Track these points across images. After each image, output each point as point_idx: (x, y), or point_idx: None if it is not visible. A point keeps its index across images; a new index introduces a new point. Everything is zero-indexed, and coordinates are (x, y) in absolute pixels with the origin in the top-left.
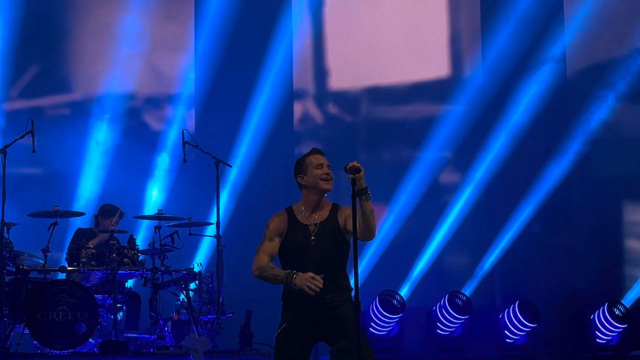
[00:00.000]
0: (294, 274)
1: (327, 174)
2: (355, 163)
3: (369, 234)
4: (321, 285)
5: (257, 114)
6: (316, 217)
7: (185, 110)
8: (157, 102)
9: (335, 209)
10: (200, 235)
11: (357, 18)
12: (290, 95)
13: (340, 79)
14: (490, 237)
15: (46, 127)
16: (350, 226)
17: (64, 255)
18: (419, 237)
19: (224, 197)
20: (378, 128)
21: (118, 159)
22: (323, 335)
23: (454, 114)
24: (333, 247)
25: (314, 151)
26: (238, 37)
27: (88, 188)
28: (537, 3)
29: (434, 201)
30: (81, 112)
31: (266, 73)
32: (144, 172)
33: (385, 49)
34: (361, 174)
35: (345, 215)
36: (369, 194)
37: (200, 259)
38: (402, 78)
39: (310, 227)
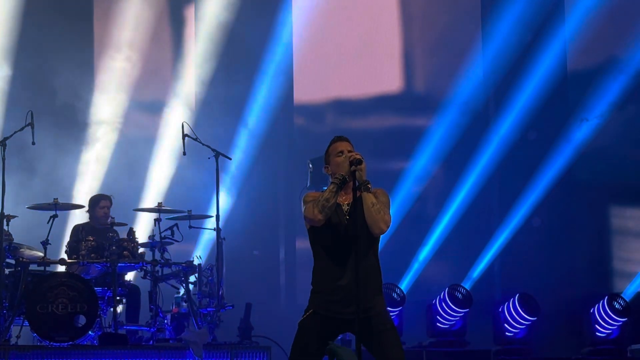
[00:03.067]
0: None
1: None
2: (356, 155)
3: (374, 226)
4: (358, 156)
5: (257, 109)
6: (347, 198)
7: (184, 108)
8: (158, 101)
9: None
10: (200, 228)
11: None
12: (289, 93)
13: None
14: (490, 230)
15: (45, 120)
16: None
17: (64, 249)
18: (419, 231)
19: (224, 190)
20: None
21: (117, 154)
22: (350, 329)
23: (450, 117)
24: (366, 226)
25: (334, 139)
26: (237, 37)
27: (88, 182)
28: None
29: (434, 195)
30: (80, 109)
31: (264, 71)
32: (144, 166)
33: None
34: (363, 165)
35: (374, 195)
36: (369, 186)
37: (200, 252)
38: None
39: (343, 207)
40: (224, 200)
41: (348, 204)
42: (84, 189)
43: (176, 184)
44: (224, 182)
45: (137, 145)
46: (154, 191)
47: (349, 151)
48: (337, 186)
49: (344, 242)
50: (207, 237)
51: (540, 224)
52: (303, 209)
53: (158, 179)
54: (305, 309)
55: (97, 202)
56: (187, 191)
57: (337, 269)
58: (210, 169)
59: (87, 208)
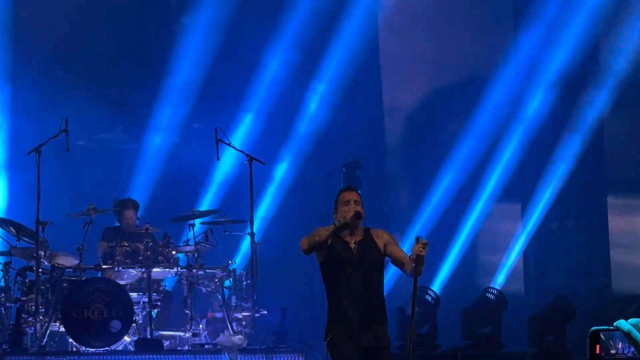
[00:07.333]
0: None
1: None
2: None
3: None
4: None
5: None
6: (354, 236)
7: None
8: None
9: (367, 230)
10: (235, 232)
11: None
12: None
13: None
14: (525, 232)
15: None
16: (390, 253)
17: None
18: (452, 233)
19: (268, 196)
20: None
21: (150, 158)
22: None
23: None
24: (374, 265)
25: (342, 189)
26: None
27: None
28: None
29: (466, 197)
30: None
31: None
32: (178, 171)
33: None
34: (422, 260)
35: (384, 240)
36: (421, 270)
37: (234, 257)
38: None
39: (351, 245)
40: (261, 205)
41: (355, 242)
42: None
43: (211, 188)
44: (260, 187)
45: (170, 150)
46: (189, 196)
47: (355, 201)
48: (336, 228)
49: (354, 277)
50: (242, 242)
51: (575, 224)
52: None
53: (193, 184)
54: (325, 334)
55: (122, 211)
56: (222, 196)
57: (349, 302)
58: (244, 173)
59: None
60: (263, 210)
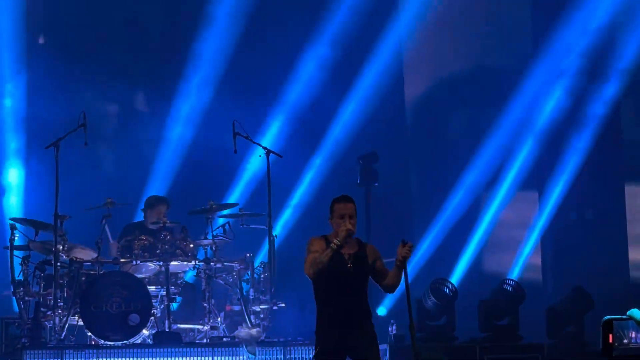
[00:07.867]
0: (332, 242)
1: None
2: (350, 226)
3: (390, 290)
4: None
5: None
6: (347, 247)
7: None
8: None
9: (362, 243)
10: (252, 226)
11: None
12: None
13: None
14: (542, 223)
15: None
16: (377, 267)
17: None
18: (470, 225)
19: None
20: None
21: (170, 151)
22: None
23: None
24: (365, 275)
25: (342, 199)
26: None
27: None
28: None
29: (484, 191)
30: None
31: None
32: (195, 164)
33: None
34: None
35: (374, 256)
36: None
37: (252, 250)
38: None
39: (344, 255)
40: (280, 198)
41: (349, 254)
42: (134, 189)
43: (228, 182)
44: (289, 183)
45: (194, 142)
46: (213, 190)
47: (350, 216)
48: (334, 252)
49: (346, 286)
50: (260, 235)
51: (593, 215)
52: (305, 256)
53: (218, 178)
54: (316, 339)
55: (154, 205)
56: (239, 189)
57: (340, 308)
58: (262, 166)
59: (142, 207)
60: (290, 205)
